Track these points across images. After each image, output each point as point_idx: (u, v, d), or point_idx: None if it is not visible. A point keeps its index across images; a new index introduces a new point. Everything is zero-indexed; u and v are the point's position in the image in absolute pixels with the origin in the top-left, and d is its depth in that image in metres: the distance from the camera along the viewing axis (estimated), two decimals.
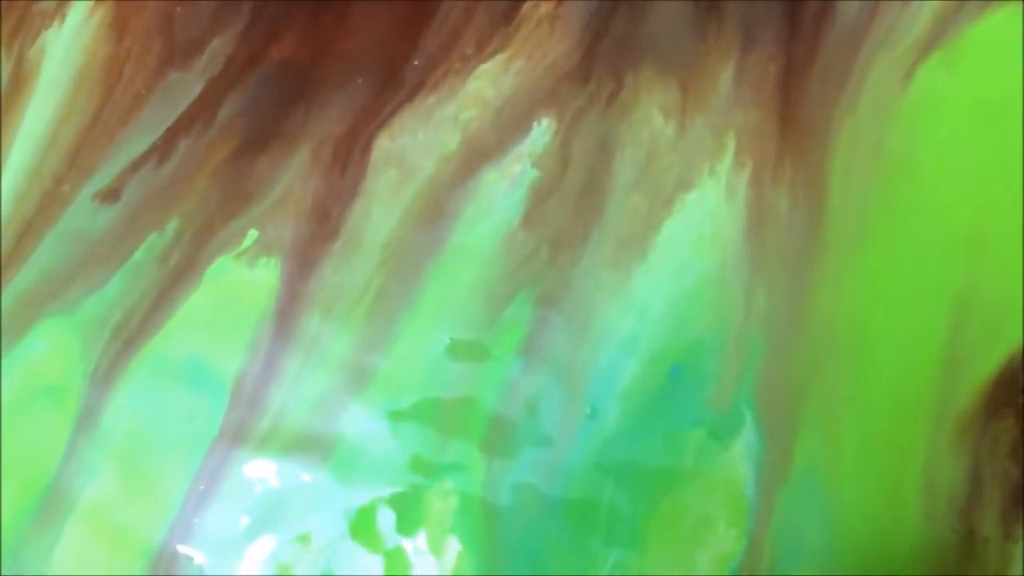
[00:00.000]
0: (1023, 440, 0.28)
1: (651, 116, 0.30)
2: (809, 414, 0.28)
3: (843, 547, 0.27)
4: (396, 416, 0.28)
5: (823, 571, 0.27)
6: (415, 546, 0.27)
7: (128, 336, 0.28)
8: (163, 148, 0.30)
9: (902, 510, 0.28)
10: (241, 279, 0.29)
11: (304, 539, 0.27)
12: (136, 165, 0.30)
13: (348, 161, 0.30)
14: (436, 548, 0.27)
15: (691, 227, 0.30)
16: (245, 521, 0.27)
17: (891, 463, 0.28)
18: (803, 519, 0.27)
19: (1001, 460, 0.28)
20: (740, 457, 0.28)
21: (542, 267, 0.29)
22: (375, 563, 0.27)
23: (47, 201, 0.30)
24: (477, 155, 0.30)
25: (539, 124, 0.30)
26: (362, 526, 0.27)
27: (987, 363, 0.28)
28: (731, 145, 0.30)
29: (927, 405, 0.28)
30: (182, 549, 0.27)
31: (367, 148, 0.30)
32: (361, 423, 0.28)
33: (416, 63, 0.30)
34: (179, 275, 0.29)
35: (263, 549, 0.27)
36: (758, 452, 0.28)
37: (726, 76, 0.30)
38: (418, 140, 0.30)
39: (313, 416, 0.28)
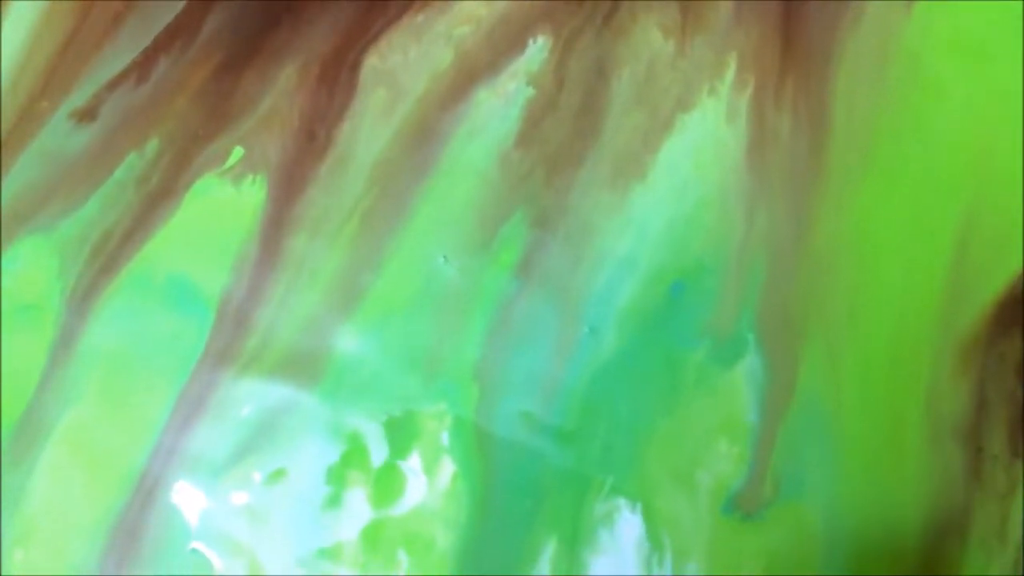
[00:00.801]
0: None
1: (650, 35, 0.31)
2: (811, 339, 0.30)
3: (847, 473, 0.29)
4: (388, 336, 0.29)
5: (827, 498, 0.29)
6: (408, 467, 0.28)
7: (108, 256, 0.29)
8: (142, 66, 0.31)
9: (905, 434, 0.29)
10: (226, 198, 0.30)
11: (295, 460, 0.28)
12: (114, 84, 0.31)
13: (336, 80, 0.31)
14: (430, 469, 0.28)
15: (691, 147, 0.31)
16: (232, 443, 0.28)
17: (894, 387, 0.29)
18: (806, 445, 0.29)
19: (1007, 380, 0.29)
20: (742, 381, 0.29)
21: (538, 187, 0.30)
22: (367, 484, 0.28)
23: (23, 119, 0.30)
24: (470, 73, 0.31)
25: (535, 42, 0.31)
26: (353, 446, 0.28)
27: (992, 285, 0.30)
28: (732, 65, 0.31)
29: (930, 329, 0.30)
30: (166, 472, 0.28)
31: (356, 67, 0.31)
32: (352, 343, 0.29)
33: None
34: (161, 194, 0.30)
35: (251, 471, 0.28)
36: (761, 377, 0.29)
37: None
38: (409, 58, 0.31)
39: (302, 336, 0.29)
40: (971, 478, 0.28)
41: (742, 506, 0.28)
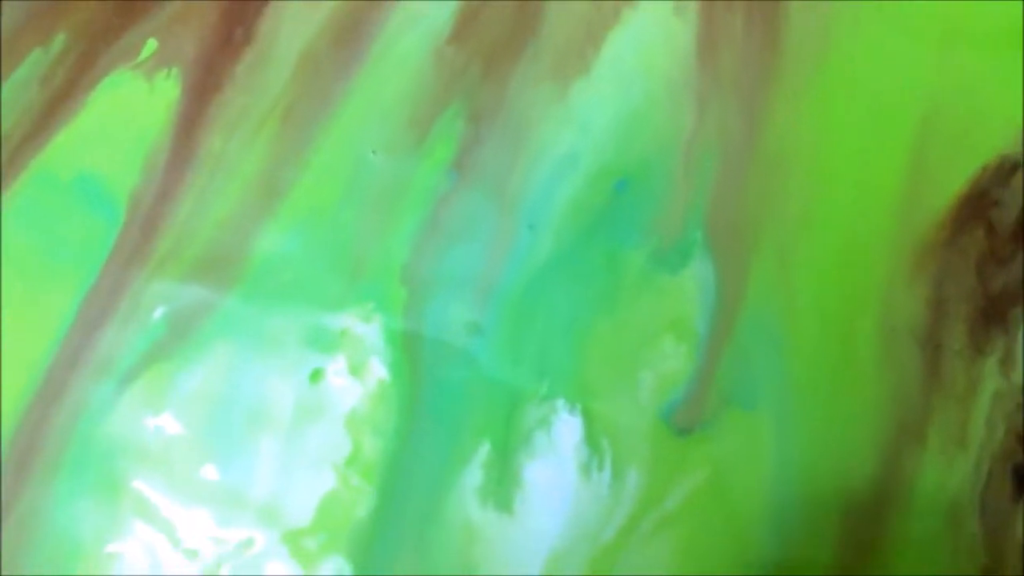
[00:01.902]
0: (991, 254, 0.31)
1: None
2: (763, 242, 0.31)
3: (798, 381, 0.30)
4: (312, 235, 0.30)
5: (778, 406, 0.30)
6: (333, 371, 0.29)
7: (11, 153, 0.30)
8: None
9: (860, 340, 0.30)
10: (138, 93, 0.31)
11: (211, 365, 0.29)
12: None
13: None
14: (356, 373, 0.29)
15: (638, 41, 0.32)
16: (143, 347, 0.29)
17: (848, 291, 0.30)
18: (756, 352, 0.30)
19: (968, 276, 0.31)
20: (689, 285, 0.30)
21: (474, 82, 0.32)
22: (289, 388, 0.29)
23: None
24: None
25: None
26: (275, 350, 0.29)
27: (953, 182, 0.31)
28: None
29: (886, 231, 0.31)
30: (71, 377, 0.29)
31: None
32: (273, 243, 0.30)
33: None
34: (68, 88, 0.31)
35: (163, 376, 0.29)
36: (709, 281, 0.30)
37: None
38: None
39: (219, 236, 0.30)
40: (929, 382, 0.29)
41: (687, 413, 0.29)
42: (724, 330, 0.29)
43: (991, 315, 0.29)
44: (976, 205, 0.30)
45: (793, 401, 0.29)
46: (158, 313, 0.28)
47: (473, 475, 0.28)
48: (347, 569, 0.27)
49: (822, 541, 0.28)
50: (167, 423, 0.28)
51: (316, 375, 0.28)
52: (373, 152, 0.29)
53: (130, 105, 0.30)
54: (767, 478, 0.28)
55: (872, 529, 0.28)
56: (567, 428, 0.28)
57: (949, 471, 0.28)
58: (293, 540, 0.27)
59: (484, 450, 0.28)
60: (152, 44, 0.30)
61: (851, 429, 0.29)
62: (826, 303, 0.29)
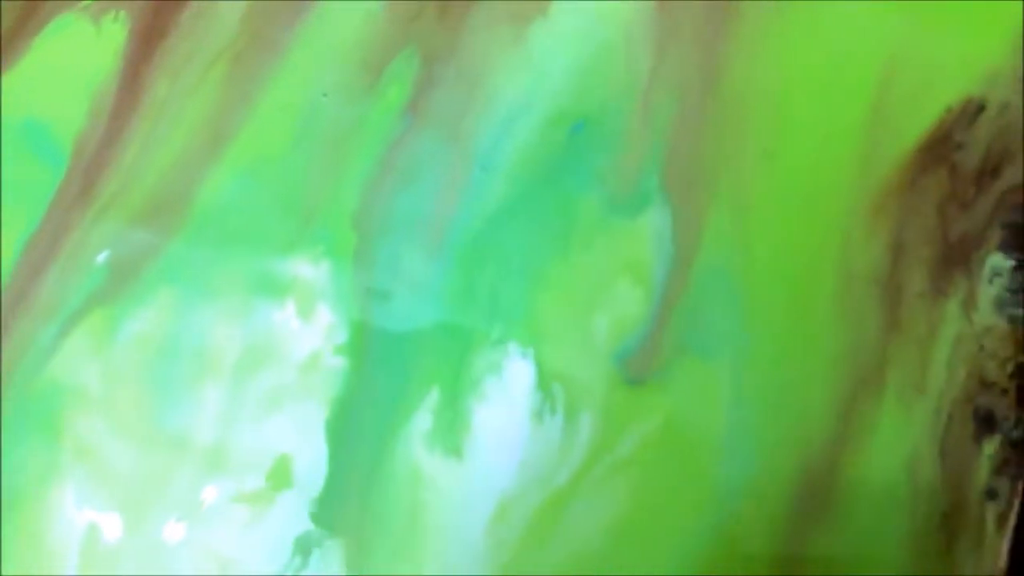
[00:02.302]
0: (954, 197, 0.31)
1: None
2: (720, 188, 0.31)
3: (754, 328, 0.30)
4: (261, 179, 0.30)
5: (733, 354, 0.30)
6: (282, 316, 0.29)
7: None
8: None
9: (817, 286, 0.30)
10: (84, 36, 0.31)
11: (155, 309, 0.29)
12: None
13: None
14: (305, 315, 0.29)
15: None
16: (86, 290, 0.29)
17: (806, 237, 0.30)
18: (712, 298, 0.30)
19: (929, 217, 0.30)
20: (645, 231, 0.30)
21: (429, 24, 0.31)
22: (236, 333, 0.29)
23: None
24: None
25: None
26: (221, 295, 0.29)
27: (916, 125, 0.31)
28: None
29: (847, 176, 0.31)
30: (12, 320, 0.29)
31: None
32: (220, 187, 0.30)
33: None
34: (14, 32, 0.31)
35: (106, 319, 0.29)
36: (665, 229, 0.30)
37: None
38: None
39: (166, 180, 0.30)
40: (888, 328, 0.29)
41: (641, 361, 0.29)
42: (679, 277, 0.29)
43: (953, 258, 0.29)
44: (939, 148, 0.30)
45: (749, 349, 0.29)
46: (102, 257, 0.28)
47: (422, 420, 0.28)
48: (293, 514, 0.27)
49: (777, 492, 0.28)
50: (110, 368, 0.28)
51: (262, 319, 0.28)
52: (324, 95, 0.29)
53: (76, 49, 0.30)
54: (721, 427, 0.28)
55: (828, 479, 0.28)
56: (519, 373, 0.28)
57: (907, 417, 0.28)
58: (238, 485, 0.27)
59: (434, 395, 0.28)
60: None
61: (808, 377, 0.29)
62: (784, 250, 0.29)
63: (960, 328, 0.29)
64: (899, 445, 0.28)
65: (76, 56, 0.30)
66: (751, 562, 0.27)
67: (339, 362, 0.28)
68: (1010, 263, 0.29)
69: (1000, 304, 0.29)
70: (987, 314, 0.29)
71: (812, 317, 0.29)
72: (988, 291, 0.29)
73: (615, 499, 0.28)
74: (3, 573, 0.26)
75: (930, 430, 0.28)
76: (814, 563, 0.27)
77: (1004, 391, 0.28)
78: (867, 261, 0.29)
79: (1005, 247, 0.29)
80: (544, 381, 0.28)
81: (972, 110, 0.30)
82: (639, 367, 0.28)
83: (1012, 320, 0.29)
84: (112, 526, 0.27)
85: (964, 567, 0.27)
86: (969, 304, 0.29)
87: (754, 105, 0.31)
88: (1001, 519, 0.28)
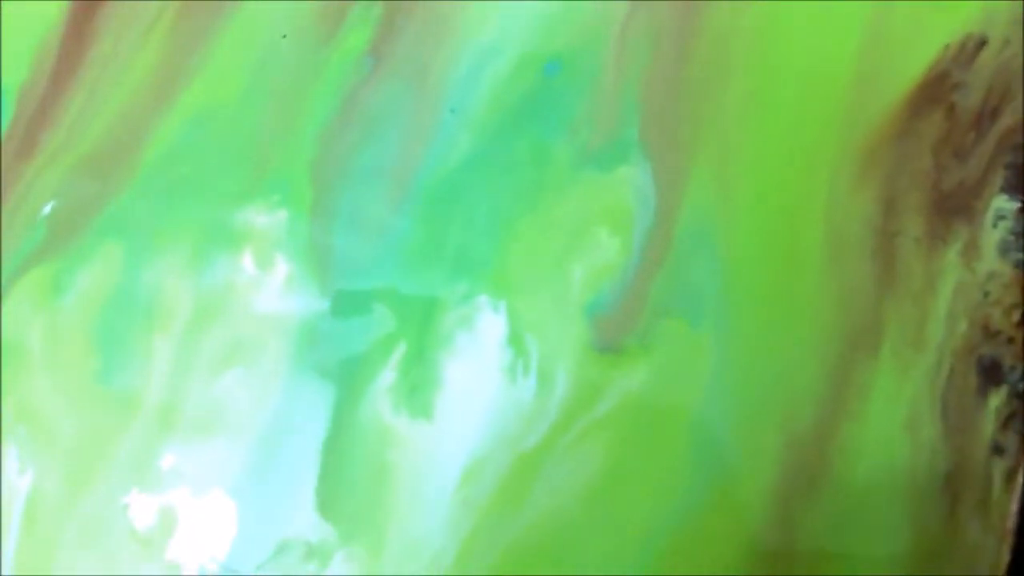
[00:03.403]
0: (952, 140, 0.30)
1: None
2: (701, 142, 0.30)
3: (740, 287, 0.29)
4: (213, 127, 0.29)
5: (716, 315, 0.29)
6: (237, 267, 0.28)
7: None
8: None
9: (805, 241, 0.29)
10: None
11: (102, 262, 0.28)
12: None
13: None
14: (262, 267, 0.28)
15: None
16: (30, 243, 0.28)
17: (793, 190, 0.30)
18: (694, 260, 0.29)
19: (923, 160, 0.30)
20: (623, 187, 0.30)
21: None
22: (187, 286, 0.28)
23: None
24: None
25: None
26: (171, 246, 0.28)
27: (912, 65, 0.31)
28: None
29: (836, 122, 0.30)
30: None
31: None
32: (171, 135, 0.29)
33: None
34: None
35: (51, 273, 0.28)
36: (644, 184, 0.30)
37: None
38: None
39: (113, 128, 0.29)
40: (881, 283, 0.29)
41: (618, 320, 0.28)
42: (660, 236, 0.29)
43: (951, 204, 0.29)
44: (936, 88, 0.29)
45: (733, 310, 0.28)
46: (47, 208, 0.28)
47: (387, 377, 0.27)
48: (249, 475, 0.26)
49: (763, 460, 0.27)
50: (54, 325, 0.27)
51: (216, 272, 0.27)
52: (283, 36, 0.29)
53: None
54: (703, 391, 0.28)
55: (819, 446, 0.27)
56: (489, 328, 0.27)
57: (904, 375, 0.28)
58: (191, 446, 0.27)
59: (400, 351, 0.27)
60: None
61: (796, 339, 0.28)
62: (769, 205, 0.29)
63: (960, 277, 0.28)
64: (896, 405, 0.28)
65: (22, 3, 0.29)
66: (733, 536, 0.27)
67: (298, 317, 0.27)
68: (1016, 204, 0.28)
69: (1005, 248, 0.28)
70: (991, 260, 0.28)
71: (800, 276, 0.28)
72: (991, 236, 0.28)
73: (589, 464, 0.27)
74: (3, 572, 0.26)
75: (929, 386, 0.28)
76: (803, 536, 0.26)
77: (1010, 339, 0.28)
78: (858, 213, 0.29)
79: (1009, 188, 0.29)
80: (516, 336, 0.27)
81: (971, 47, 0.29)
82: (616, 327, 0.28)
83: (1018, 265, 0.28)
84: (56, 488, 0.26)
85: (969, 530, 0.27)
86: (970, 251, 0.28)
87: (735, 48, 0.30)
88: (1009, 476, 0.27)
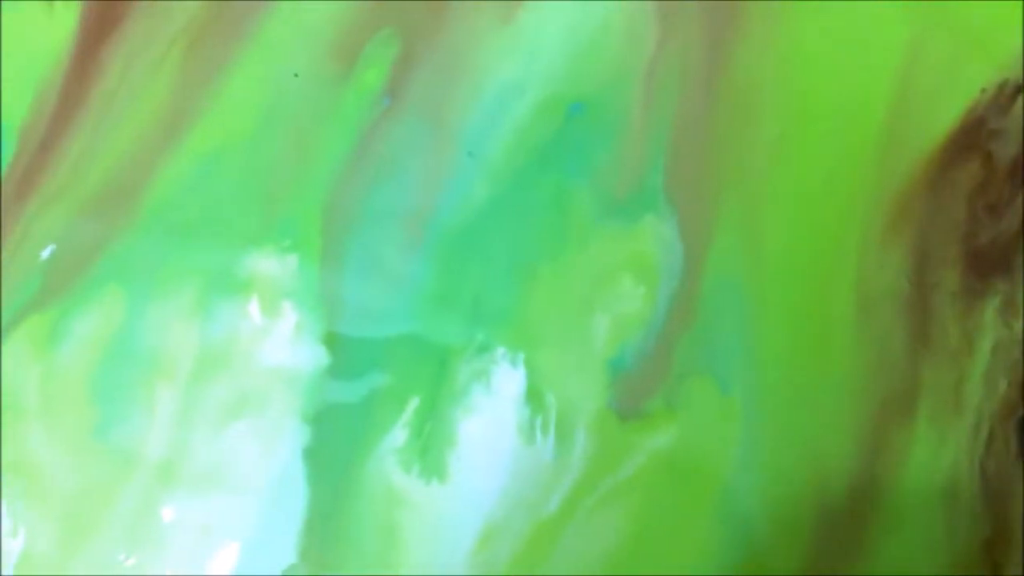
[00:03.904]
0: (989, 190, 0.29)
1: None
2: (728, 192, 0.29)
3: (767, 348, 0.28)
4: (222, 167, 0.29)
5: (744, 378, 0.28)
6: (244, 315, 0.28)
7: None
8: None
9: (835, 297, 0.29)
10: (34, 20, 0.30)
11: (103, 308, 0.27)
12: None
13: None
14: (269, 314, 0.28)
15: None
16: (30, 288, 0.27)
17: (822, 244, 0.29)
18: (720, 323, 0.28)
19: (957, 215, 0.29)
20: (647, 237, 0.29)
21: (409, 1, 0.30)
22: (191, 335, 0.27)
23: None
24: None
25: None
26: (176, 292, 0.28)
27: (946, 112, 0.30)
28: None
29: (867, 173, 0.29)
30: None
31: None
32: (177, 176, 0.28)
33: None
34: None
35: (50, 319, 0.27)
36: (670, 238, 0.29)
37: None
38: None
39: (117, 169, 0.29)
40: (914, 341, 0.28)
41: (643, 377, 0.27)
42: (685, 292, 0.28)
43: (988, 258, 0.28)
44: (971, 136, 0.29)
45: (762, 373, 0.27)
46: (47, 252, 0.27)
47: (399, 434, 0.26)
48: (254, 536, 0.25)
49: (795, 534, 0.26)
50: (52, 374, 0.26)
51: (221, 320, 0.26)
52: (296, 75, 0.28)
53: (25, 33, 0.29)
54: (731, 456, 0.27)
55: (854, 515, 0.26)
56: (507, 383, 0.27)
57: (942, 441, 0.27)
58: (192, 504, 0.26)
59: (412, 406, 0.26)
60: None
61: (828, 403, 0.27)
62: (798, 260, 0.28)
63: (998, 335, 0.27)
64: (934, 472, 0.27)
65: (25, 41, 0.29)
66: None
67: (306, 368, 0.26)
68: None
69: None
70: None
71: (831, 335, 0.28)
72: None
73: (613, 529, 0.26)
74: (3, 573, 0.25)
75: (968, 451, 0.27)
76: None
77: None
78: (890, 266, 0.28)
79: None
80: (535, 392, 0.27)
81: (1008, 93, 0.29)
82: (641, 387, 0.27)
83: None
84: (51, 548, 0.25)
85: None
86: (1008, 308, 0.27)
87: (764, 95, 0.29)
88: None
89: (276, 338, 0.27)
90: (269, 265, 0.27)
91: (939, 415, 0.27)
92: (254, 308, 0.27)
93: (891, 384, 0.27)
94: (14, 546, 0.26)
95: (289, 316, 0.27)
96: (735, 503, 0.26)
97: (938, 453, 0.27)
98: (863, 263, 0.28)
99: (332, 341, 0.27)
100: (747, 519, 0.26)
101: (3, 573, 0.25)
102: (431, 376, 0.27)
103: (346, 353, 0.27)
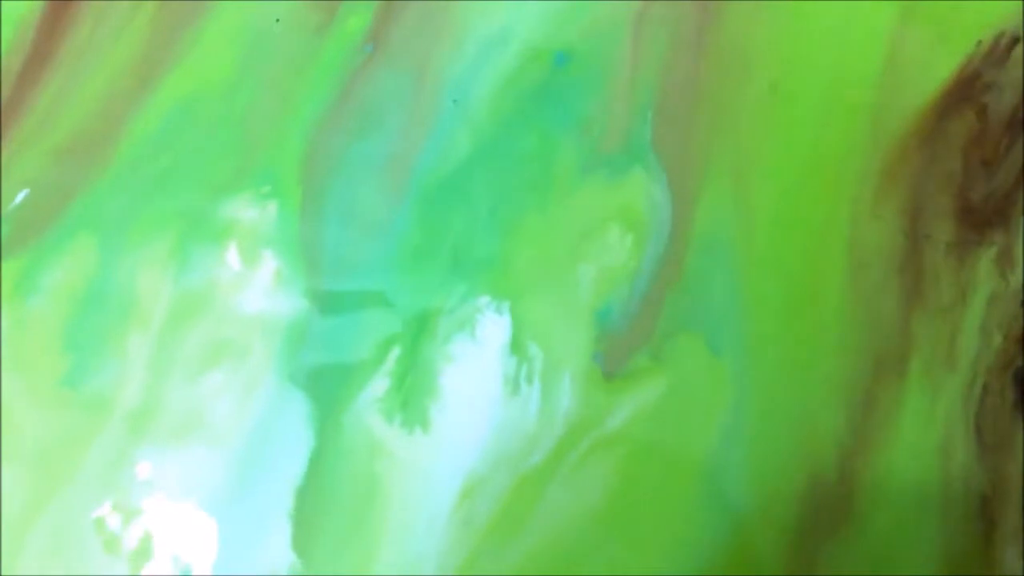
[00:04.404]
0: (983, 141, 0.29)
1: None
2: (717, 146, 0.29)
3: (758, 307, 0.28)
4: (199, 114, 0.28)
5: (734, 336, 0.28)
6: (222, 261, 0.27)
7: None
8: None
9: (828, 254, 0.28)
10: None
11: (75, 256, 0.27)
12: None
13: None
14: (247, 262, 0.27)
15: None
16: (2, 235, 0.27)
17: (815, 199, 0.29)
18: (709, 284, 0.28)
19: (953, 168, 0.29)
20: (635, 192, 0.29)
21: None
22: (165, 282, 0.27)
23: None
24: None
25: None
26: (151, 240, 0.27)
27: (941, 65, 0.30)
28: None
29: (860, 123, 0.29)
30: None
31: None
32: (151, 123, 0.28)
33: None
34: None
35: (21, 267, 0.27)
36: (657, 193, 0.29)
37: None
38: None
39: (92, 114, 0.28)
40: (908, 295, 0.27)
41: (630, 336, 0.27)
42: (673, 250, 0.27)
43: (984, 211, 0.28)
44: (967, 88, 0.28)
45: (751, 334, 0.27)
46: (18, 199, 0.26)
47: (380, 384, 0.26)
48: (229, 486, 0.25)
49: (783, 502, 0.26)
50: (23, 321, 0.26)
51: (198, 266, 0.26)
52: (277, 20, 0.28)
53: None
54: (719, 424, 0.26)
55: (845, 474, 0.26)
56: (491, 332, 0.26)
57: (936, 396, 0.27)
58: (165, 453, 0.25)
59: (394, 356, 0.26)
60: None
61: (819, 360, 0.27)
62: (790, 214, 0.28)
63: (994, 287, 0.27)
64: (928, 429, 0.26)
65: None
66: (754, 565, 0.25)
67: (286, 317, 0.26)
68: None
69: None
70: None
71: (823, 290, 0.28)
72: None
73: (597, 483, 0.25)
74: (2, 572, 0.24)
75: (962, 406, 0.27)
76: (830, 562, 0.25)
77: None
78: (884, 221, 0.28)
79: None
80: (519, 342, 0.26)
81: (1004, 44, 0.29)
82: (628, 340, 0.26)
83: None
84: (23, 496, 0.25)
85: (1006, 556, 0.25)
86: (1004, 260, 0.27)
87: (756, 44, 0.29)
88: None
89: (254, 286, 0.26)
90: (248, 212, 0.27)
91: (933, 370, 0.27)
92: (232, 255, 0.27)
93: (883, 341, 0.27)
94: None
95: (268, 264, 0.27)
96: (722, 460, 0.26)
97: (932, 410, 0.27)
98: (856, 217, 0.28)
99: (312, 290, 0.27)
100: (734, 479, 0.26)
101: None
102: (414, 326, 0.26)
103: (326, 302, 0.27)
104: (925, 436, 0.27)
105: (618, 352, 0.27)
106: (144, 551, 0.25)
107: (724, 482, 0.26)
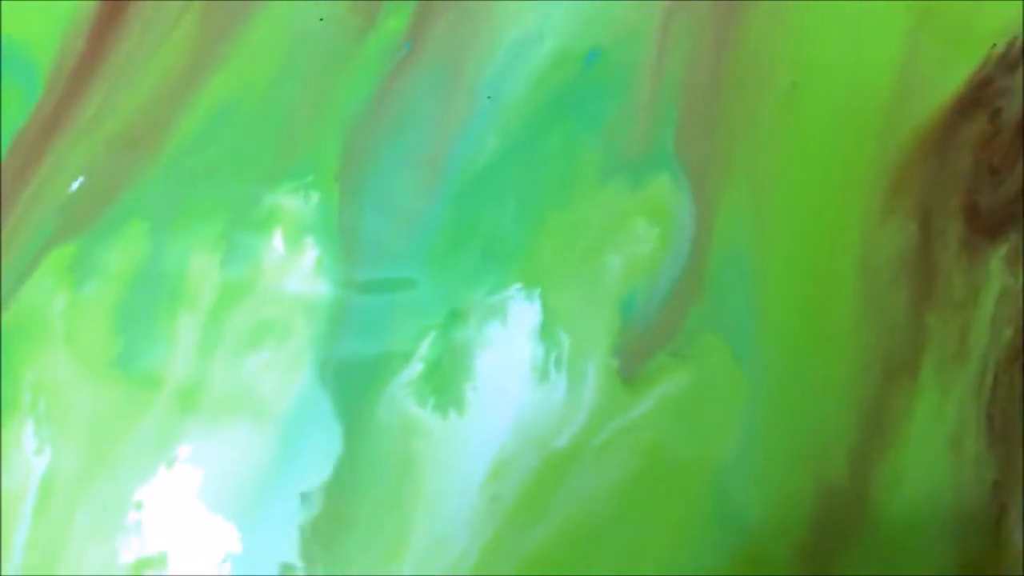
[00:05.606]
0: (995, 144, 0.31)
1: None
2: (737, 149, 0.31)
3: (773, 306, 0.30)
4: (245, 107, 0.30)
5: (749, 337, 0.29)
6: (267, 246, 0.29)
7: None
8: None
9: (841, 257, 0.30)
10: None
11: (128, 240, 0.29)
12: None
13: None
14: (291, 248, 0.29)
15: None
16: (55, 222, 0.29)
17: (828, 203, 0.30)
18: (728, 286, 0.30)
19: (965, 169, 0.31)
20: (657, 192, 0.31)
21: None
22: (213, 266, 0.29)
23: None
24: None
25: None
26: (200, 226, 0.29)
27: (954, 72, 0.32)
28: None
29: (875, 125, 0.31)
30: None
31: None
32: (203, 114, 0.30)
33: None
34: None
35: (76, 250, 0.29)
36: (679, 199, 0.30)
37: None
38: None
39: (144, 107, 0.30)
40: (920, 292, 0.29)
41: (651, 334, 0.29)
42: (695, 255, 0.29)
43: (996, 212, 0.29)
44: (980, 93, 0.30)
45: (767, 339, 0.29)
46: (75, 185, 0.29)
47: (415, 367, 0.28)
48: (272, 462, 0.27)
49: (794, 507, 0.28)
50: (78, 302, 0.28)
51: (243, 253, 0.28)
52: (320, 19, 0.30)
53: None
54: (738, 410, 0.28)
55: (854, 486, 0.28)
56: (522, 318, 0.28)
57: (947, 391, 0.28)
58: (213, 429, 0.27)
59: (427, 341, 0.28)
60: None
61: (832, 358, 0.29)
62: (804, 221, 0.30)
63: (1004, 284, 0.29)
64: (939, 424, 0.28)
65: None
66: (766, 557, 0.27)
67: (325, 300, 0.28)
68: None
69: None
70: None
71: (836, 289, 0.29)
72: None
73: (620, 468, 0.27)
74: (2, 572, 0.26)
75: (974, 399, 0.28)
76: (843, 563, 0.27)
77: None
78: (896, 222, 0.29)
79: None
80: (548, 328, 0.28)
81: (1018, 50, 0.30)
82: (651, 337, 0.28)
83: None
84: (73, 469, 0.27)
85: (1018, 541, 0.27)
86: (1014, 257, 0.29)
87: (776, 50, 0.31)
88: None
89: (297, 271, 0.29)
90: (291, 201, 0.29)
91: (944, 366, 0.29)
92: (277, 241, 0.29)
93: (896, 341, 0.29)
94: (38, 464, 0.27)
95: (310, 250, 0.29)
96: (735, 463, 0.28)
97: (943, 405, 0.28)
98: (869, 218, 0.30)
99: (350, 276, 0.29)
100: (746, 483, 0.28)
101: (26, 490, 0.27)
102: (447, 312, 0.28)
103: (364, 288, 0.29)
104: (937, 430, 0.29)
105: (641, 348, 0.29)
106: (187, 519, 0.27)
107: (736, 485, 0.28)
